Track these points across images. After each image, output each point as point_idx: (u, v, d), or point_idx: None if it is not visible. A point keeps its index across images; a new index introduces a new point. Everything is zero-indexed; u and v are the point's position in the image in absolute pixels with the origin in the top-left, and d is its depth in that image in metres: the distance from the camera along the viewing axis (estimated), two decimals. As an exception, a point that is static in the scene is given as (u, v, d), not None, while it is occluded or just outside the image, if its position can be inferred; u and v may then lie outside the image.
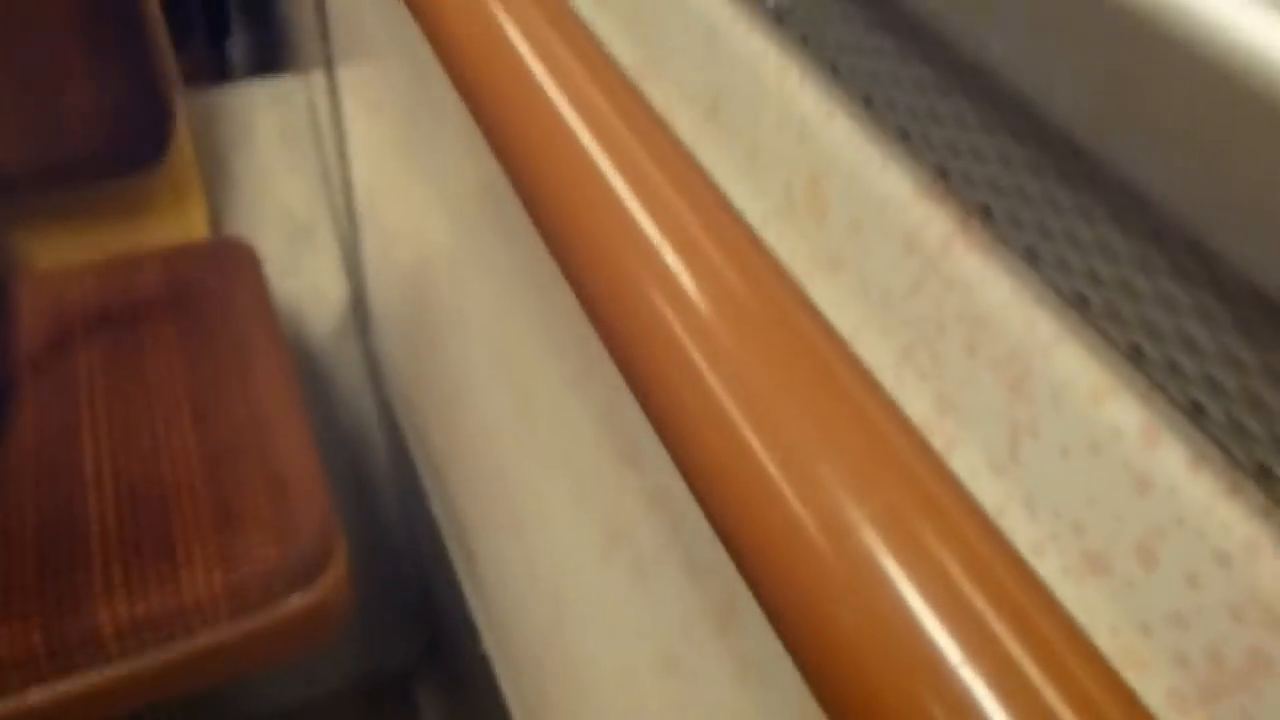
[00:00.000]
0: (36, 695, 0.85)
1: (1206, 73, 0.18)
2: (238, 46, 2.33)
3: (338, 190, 1.46)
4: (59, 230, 1.32)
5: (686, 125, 0.39)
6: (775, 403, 0.25)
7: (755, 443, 0.25)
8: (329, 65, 1.31)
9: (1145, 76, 0.19)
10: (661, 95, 0.41)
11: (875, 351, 0.31)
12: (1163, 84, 0.19)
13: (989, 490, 0.27)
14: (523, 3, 0.28)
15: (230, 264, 1.23)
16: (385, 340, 1.43)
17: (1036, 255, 0.23)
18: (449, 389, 1.05)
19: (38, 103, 1.13)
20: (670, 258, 0.26)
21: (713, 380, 0.26)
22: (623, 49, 0.43)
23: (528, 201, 0.29)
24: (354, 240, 1.42)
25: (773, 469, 0.24)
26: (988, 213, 0.25)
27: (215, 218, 1.46)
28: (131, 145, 1.20)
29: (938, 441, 0.29)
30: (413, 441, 1.31)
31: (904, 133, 0.27)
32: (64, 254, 1.30)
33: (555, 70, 0.28)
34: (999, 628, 0.23)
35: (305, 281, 1.51)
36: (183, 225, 1.40)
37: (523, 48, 0.28)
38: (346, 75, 1.25)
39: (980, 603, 0.23)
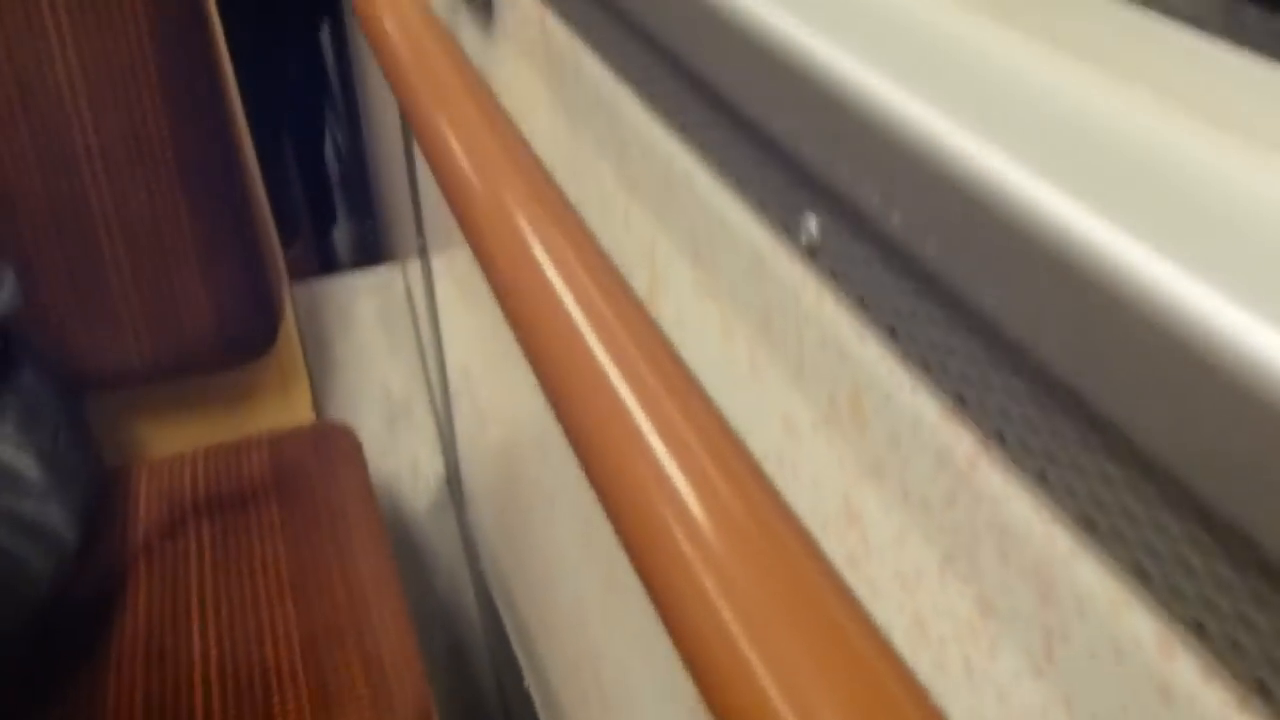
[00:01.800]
0: None
1: (1158, 335, 0.20)
2: (342, 237, 2.48)
3: (433, 371, 1.52)
4: (174, 417, 1.41)
5: (742, 337, 0.43)
6: (769, 621, 0.27)
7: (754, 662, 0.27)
8: (424, 254, 1.40)
9: (1113, 330, 0.21)
10: (718, 309, 0.44)
11: (922, 554, 0.33)
12: (1129, 335, 0.21)
13: (1032, 692, 0.29)
14: (565, 258, 0.32)
15: (331, 448, 1.29)
16: (480, 515, 1.46)
17: (1046, 479, 0.26)
18: (540, 564, 1.07)
19: (155, 301, 1.22)
20: (681, 486, 0.29)
21: (715, 594, 0.28)
22: (683, 267, 0.47)
23: (564, 423, 0.32)
24: (449, 418, 1.48)
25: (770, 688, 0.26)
26: (1002, 438, 0.27)
27: (319, 399, 1.53)
28: (241, 338, 1.28)
29: (982, 643, 0.31)
30: (507, 616, 1.33)
31: (925, 362, 0.29)
32: (179, 439, 1.38)
33: (591, 320, 0.31)
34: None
35: (403, 459, 1.57)
36: (288, 408, 1.47)
37: (567, 300, 0.31)
38: (440, 263, 1.33)
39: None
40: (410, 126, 0.40)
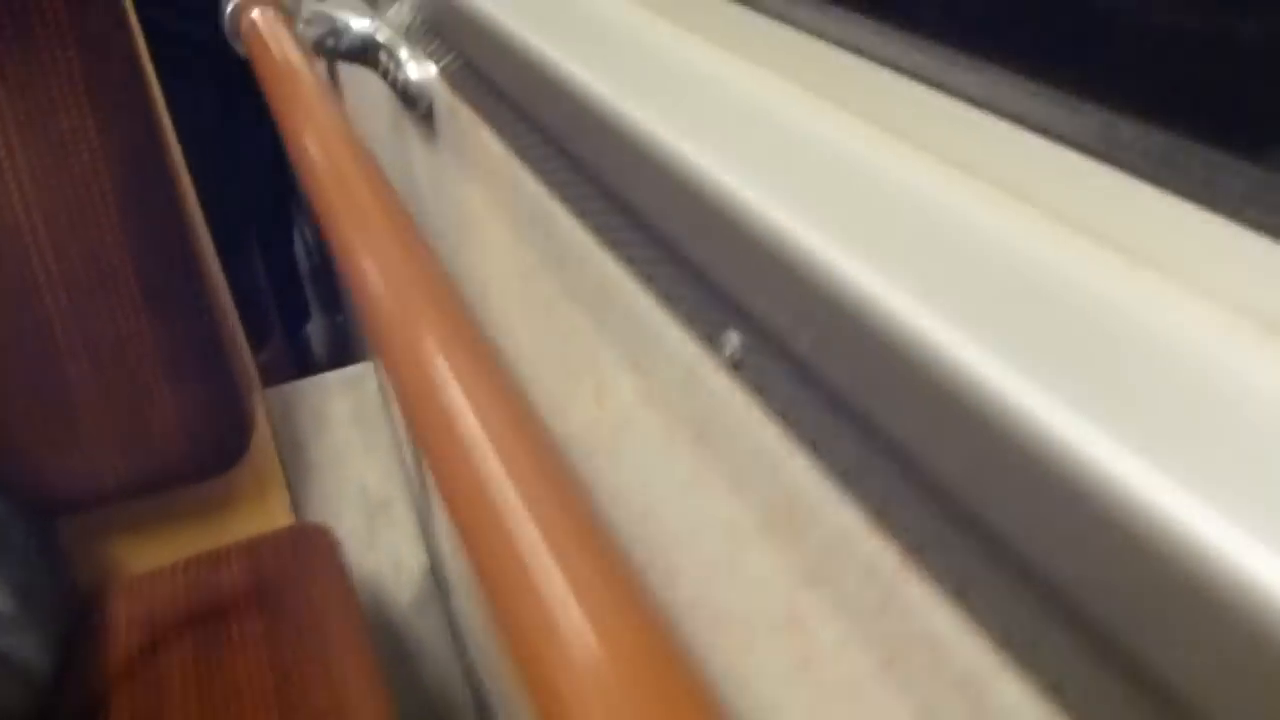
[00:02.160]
0: None
1: (1046, 468, 0.21)
2: (317, 332, 2.48)
3: (410, 464, 1.52)
4: (149, 532, 1.40)
5: (683, 443, 0.43)
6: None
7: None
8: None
9: (1007, 463, 0.22)
10: (659, 416, 0.45)
11: (865, 660, 0.33)
12: (1025, 470, 0.22)
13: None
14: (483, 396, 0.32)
15: (310, 550, 1.28)
16: (465, 604, 1.45)
17: (967, 595, 0.26)
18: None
19: (124, 422, 1.22)
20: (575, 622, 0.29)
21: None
22: (625, 375, 0.48)
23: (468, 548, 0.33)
24: (428, 509, 1.48)
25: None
26: (922, 552, 0.27)
27: (297, 502, 1.53)
28: (214, 451, 1.28)
29: (928, 749, 0.31)
30: (497, 704, 1.32)
31: (846, 476, 0.30)
32: (156, 553, 1.37)
33: (492, 451, 0.31)
34: None
35: (384, 555, 1.56)
36: (265, 514, 1.47)
37: (467, 430, 0.32)
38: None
39: None
40: (330, 246, 0.41)
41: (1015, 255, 0.26)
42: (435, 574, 1.57)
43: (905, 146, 0.32)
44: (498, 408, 0.31)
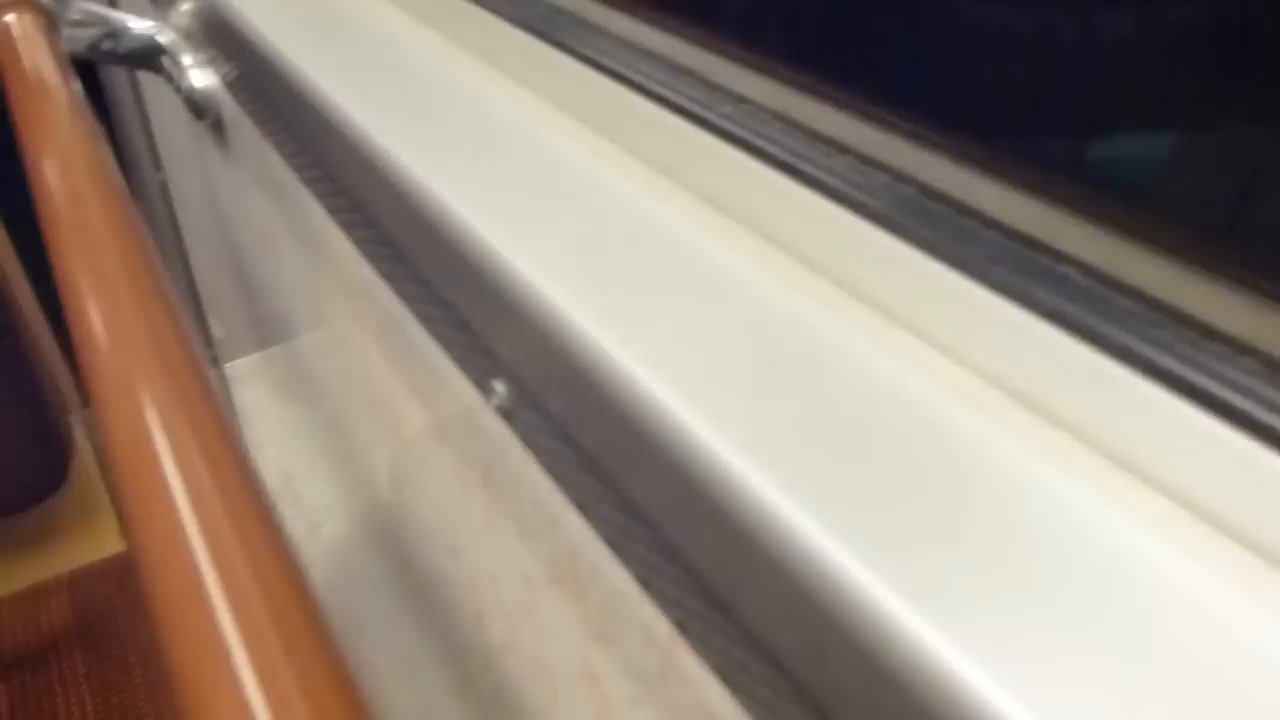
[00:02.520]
0: None
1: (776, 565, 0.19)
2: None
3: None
4: (-33, 569, 1.30)
5: (476, 485, 0.41)
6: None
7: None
8: (216, 364, 1.34)
9: (740, 558, 0.20)
10: (448, 458, 0.42)
11: (656, 723, 0.32)
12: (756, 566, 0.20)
13: None
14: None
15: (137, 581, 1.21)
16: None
17: (726, 671, 0.24)
18: (394, 664, 1.02)
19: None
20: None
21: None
22: (422, 414, 0.45)
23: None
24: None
25: None
26: (684, 627, 0.26)
27: (128, 525, 1.45)
28: (29, 479, 1.20)
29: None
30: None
31: (611, 542, 0.28)
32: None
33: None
34: None
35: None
36: (92, 541, 1.39)
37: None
38: (239, 370, 1.27)
39: None
40: (59, 285, 0.37)
41: (758, 338, 0.24)
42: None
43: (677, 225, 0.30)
44: (213, 490, 0.28)
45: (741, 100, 0.28)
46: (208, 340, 1.27)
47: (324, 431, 0.85)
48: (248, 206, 0.70)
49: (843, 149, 0.24)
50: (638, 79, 0.31)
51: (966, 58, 0.25)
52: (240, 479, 0.29)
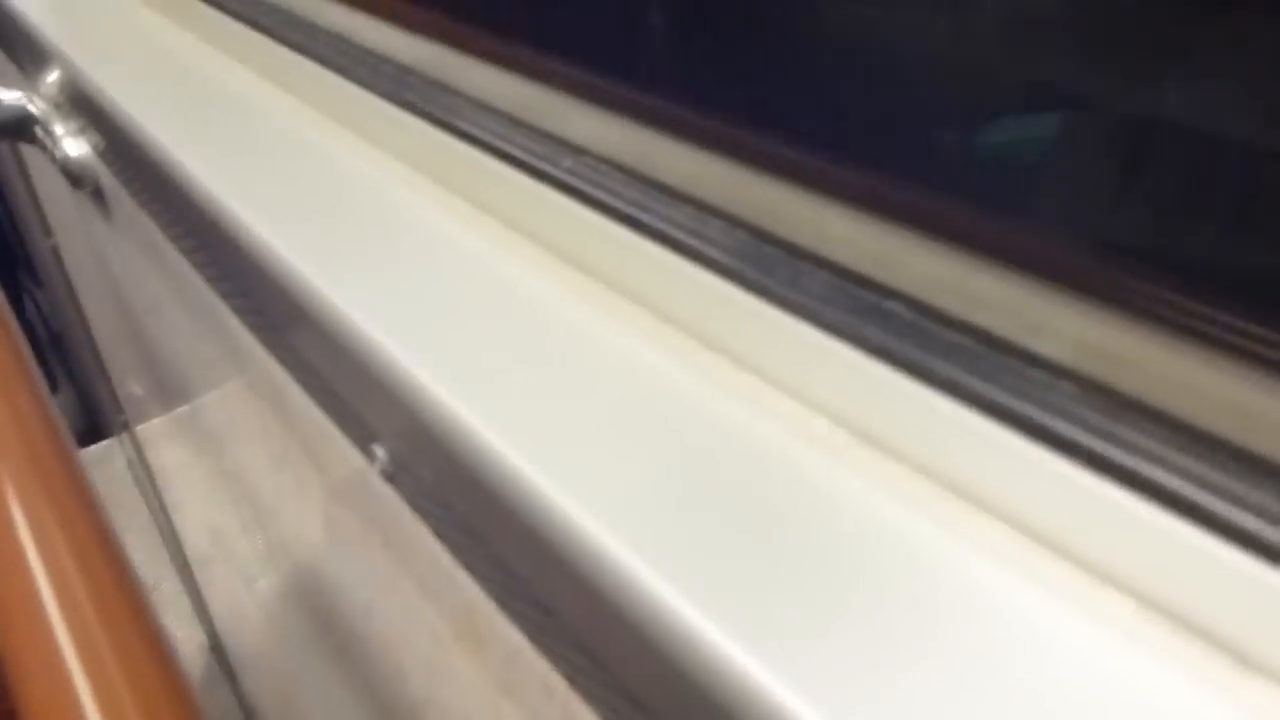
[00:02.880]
0: None
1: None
2: (70, 402, 2.30)
3: (170, 541, 1.43)
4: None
5: (377, 546, 0.41)
6: None
7: None
8: (128, 428, 1.31)
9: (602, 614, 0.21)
10: (350, 517, 0.42)
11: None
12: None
13: None
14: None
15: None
16: (257, 682, 1.38)
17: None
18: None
19: None
20: None
21: None
22: (317, 476, 0.45)
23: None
24: (196, 589, 1.39)
25: None
26: (572, 679, 0.26)
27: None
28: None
29: None
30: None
31: (499, 600, 0.28)
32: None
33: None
34: None
35: (159, 640, 1.45)
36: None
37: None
38: (155, 430, 1.24)
39: None
40: None
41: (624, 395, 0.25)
42: (215, 653, 1.48)
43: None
44: (81, 582, 0.28)
45: (581, 152, 0.28)
46: (116, 403, 1.24)
47: (244, 487, 0.84)
48: (135, 273, 0.69)
49: (680, 197, 0.25)
50: (486, 137, 0.31)
51: (796, 104, 0.25)
52: (107, 566, 0.28)
